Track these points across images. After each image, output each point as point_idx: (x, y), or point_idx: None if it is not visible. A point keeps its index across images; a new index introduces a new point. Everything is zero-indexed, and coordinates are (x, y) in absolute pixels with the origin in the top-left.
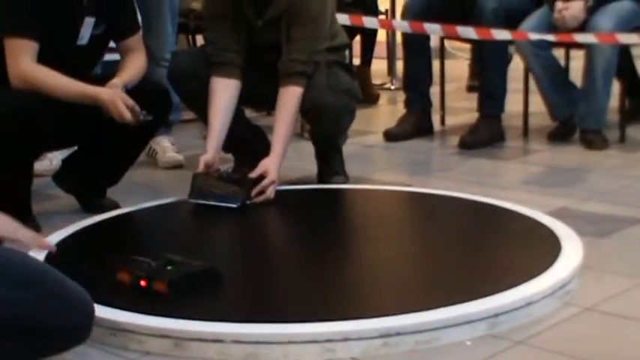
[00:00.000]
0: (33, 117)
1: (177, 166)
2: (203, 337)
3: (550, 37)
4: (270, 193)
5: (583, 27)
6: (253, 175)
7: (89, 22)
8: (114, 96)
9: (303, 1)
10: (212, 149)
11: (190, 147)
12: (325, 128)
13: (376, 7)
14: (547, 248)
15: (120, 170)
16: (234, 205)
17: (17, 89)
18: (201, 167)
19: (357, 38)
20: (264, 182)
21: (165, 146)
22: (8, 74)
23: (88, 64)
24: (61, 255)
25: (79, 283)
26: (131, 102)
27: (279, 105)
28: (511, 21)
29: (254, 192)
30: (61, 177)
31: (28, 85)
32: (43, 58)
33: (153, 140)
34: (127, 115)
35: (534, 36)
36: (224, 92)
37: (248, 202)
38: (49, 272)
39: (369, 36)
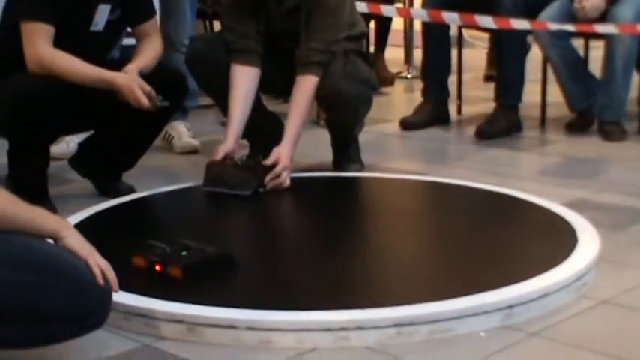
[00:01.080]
0: (49, 101)
1: (192, 152)
2: (217, 323)
3: (569, 28)
4: (283, 179)
5: (603, 17)
6: (267, 162)
7: (104, 9)
8: (130, 81)
9: None
10: (232, 138)
11: (206, 133)
12: (341, 116)
13: None
14: (563, 240)
15: (136, 155)
16: (247, 193)
17: (34, 73)
18: (219, 157)
19: (372, 25)
20: (277, 169)
21: (181, 131)
22: (25, 58)
23: (104, 49)
24: None
25: None
26: (147, 87)
27: (295, 93)
28: (530, 11)
29: (267, 179)
30: (77, 161)
31: (44, 69)
32: (57, 44)
33: (169, 125)
34: (144, 101)
35: (553, 26)
36: (244, 80)
37: (261, 189)
38: (63, 257)
39: (384, 23)
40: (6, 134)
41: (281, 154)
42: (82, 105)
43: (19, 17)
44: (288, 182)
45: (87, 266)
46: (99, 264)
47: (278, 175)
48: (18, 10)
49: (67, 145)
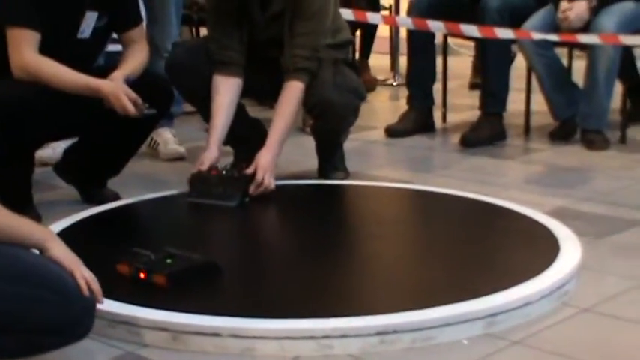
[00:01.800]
0: (34, 107)
1: (178, 159)
2: (201, 331)
3: (553, 37)
4: (267, 184)
5: (586, 27)
6: (249, 170)
7: (91, 16)
8: (116, 89)
9: None
10: (214, 146)
11: (192, 139)
12: (329, 125)
13: (378, 1)
14: (546, 248)
15: (121, 161)
16: (232, 204)
17: (19, 79)
18: (205, 166)
19: (357, 33)
20: (257, 177)
21: (166, 138)
22: (10, 64)
23: (90, 57)
24: None
25: None
26: (134, 95)
27: (280, 99)
28: (515, 19)
29: (251, 189)
30: (62, 167)
31: (30, 75)
32: (43, 51)
33: (155, 132)
34: (130, 108)
35: (537, 36)
36: (226, 91)
37: (247, 199)
38: (48, 268)
39: (369, 30)
40: None
41: (261, 160)
42: (67, 112)
43: (4, 23)
44: (273, 185)
45: (72, 277)
46: (84, 275)
47: (261, 183)
48: (3, 16)
49: (53, 150)
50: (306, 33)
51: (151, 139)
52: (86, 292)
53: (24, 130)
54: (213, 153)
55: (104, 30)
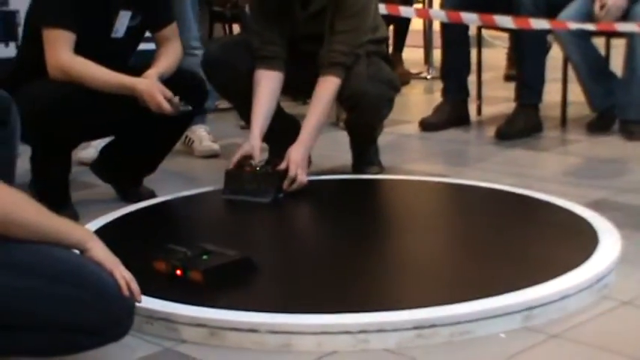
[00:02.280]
0: (70, 107)
1: (213, 156)
2: (238, 327)
3: (590, 27)
4: (300, 180)
5: (624, 16)
6: (282, 166)
7: (125, 15)
8: (151, 87)
9: None
10: (257, 136)
11: (226, 136)
12: (363, 117)
13: None
14: (584, 241)
15: (156, 159)
16: (266, 200)
17: (55, 80)
18: (245, 152)
19: (390, 27)
20: (291, 172)
21: (201, 135)
22: (47, 65)
23: (124, 56)
24: None
25: None
26: (169, 93)
27: (315, 94)
28: (551, 10)
29: (285, 184)
30: (98, 166)
31: (66, 75)
32: (78, 51)
33: (189, 129)
34: (166, 106)
35: (574, 25)
36: (268, 83)
37: (280, 195)
38: (89, 268)
39: (403, 24)
40: (28, 140)
41: (292, 154)
42: (102, 111)
43: (40, 24)
44: (305, 180)
45: (112, 278)
46: (124, 276)
47: (294, 179)
48: (40, 17)
49: (95, 150)
50: (347, 30)
51: (186, 137)
52: (126, 292)
53: (60, 129)
54: (257, 141)
55: (138, 29)
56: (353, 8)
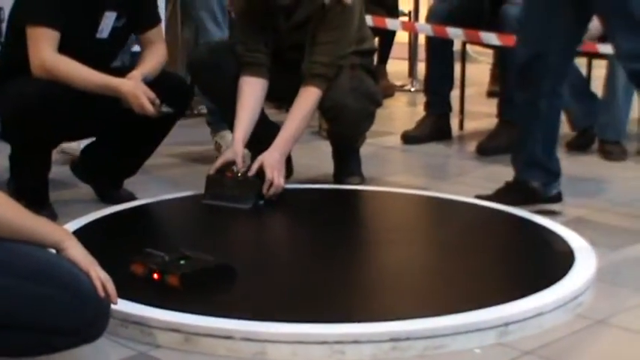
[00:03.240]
0: (52, 105)
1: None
2: (213, 333)
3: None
4: (278, 183)
5: (606, 37)
6: (251, 171)
7: (110, 16)
8: (135, 88)
9: (330, 7)
10: (240, 143)
11: (208, 141)
12: (343, 129)
13: (397, 7)
14: (560, 258)
15: (137, 162)
16: (246, 207)
17: (38, 78)
18: (218, 164)
19: (376, 39)
20: (268, 176)
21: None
22: (30, 63)
23: (108, 56)
24: None
25: None
26: (152, 94)
27: (295, 103)
28: None
29: (264, 189)
30: (79, 167)
31: (49, 73)
32: (63, 50)
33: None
34: (148, 107)
35: None
36: (252, 91)
37: (261, 202)
38: (64, 268)
39: (388, 36)
40: (8, 138)
41: (266, 159)
42: (84, 111)
43: (25, 22)
44: (283, 184)
45: (87, 278)
46: (100, 276)
47: (272, 182)
48: (24, 15)
49: (78, 143)
50: (329, 42)
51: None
52: (102, 293)
53: (41, 127)
54: (239, 148)
55: (123, 30)
56: (336, 20)
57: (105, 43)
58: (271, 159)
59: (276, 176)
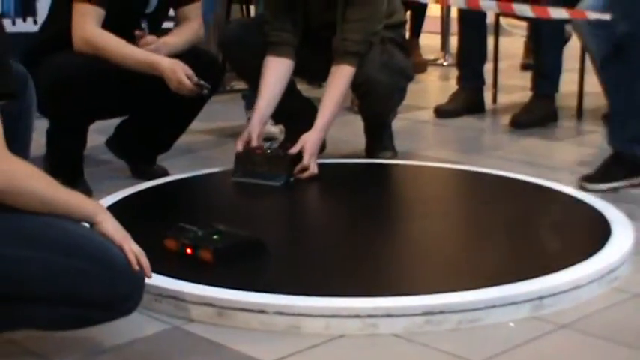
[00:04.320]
0: (91, 79)
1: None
2: (247, 307)
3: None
4: (312, 169)
5: None
6: (293, 150)
7: None
8: (174, 65)
9: None
10: (257, 123)
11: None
12: (375, 105)
13: None
14: (597, 232)
15: (172, 138)
16: (277, 184)
17: (79, 52)
18: (244, 139)
19: (407, 12)
20: (304, 160)
21: None
22: (72, 36)
23: (151, 32)
24: None
25: None
26: (190, 71)
27: (330, 82)
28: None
29: (296, 170)
30: (113, 142)
31: (90, 47)
32: (115, 27)
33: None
34: (187, 84)
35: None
36: (274, 71)
37: (291, 179)
38: (98, 242)
39: (419, 10)
40: (44, 110)
41: (306, 142)
42: (121, 87)
43: None
44: (315, 170)
45: (121, 252)
46: (133, 250)
47: (306, 168)
48: None
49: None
50: (360, 19)
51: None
52: (135, 267)
53: (77, 100)
54: (255, 128)
55: (165, 4)
56: None
57: (150, 17)
58: (311, 142)
59: (313, 162)
